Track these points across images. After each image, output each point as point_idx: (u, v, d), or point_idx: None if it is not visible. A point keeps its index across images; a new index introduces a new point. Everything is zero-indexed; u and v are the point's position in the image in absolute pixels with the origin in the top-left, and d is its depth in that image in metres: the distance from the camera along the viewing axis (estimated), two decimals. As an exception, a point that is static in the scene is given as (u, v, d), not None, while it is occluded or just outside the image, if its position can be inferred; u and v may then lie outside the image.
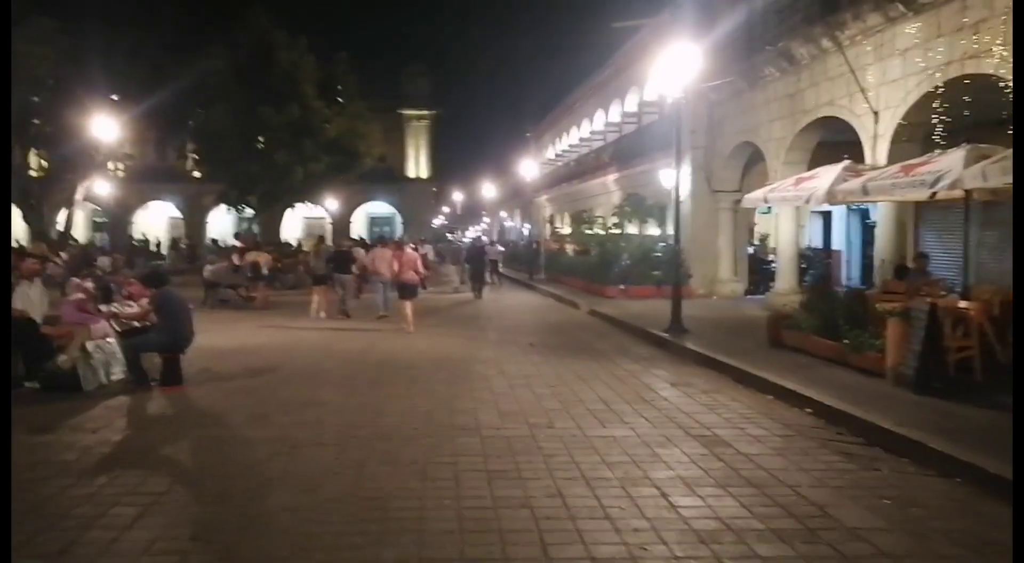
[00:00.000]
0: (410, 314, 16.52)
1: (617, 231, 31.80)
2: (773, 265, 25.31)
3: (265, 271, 21.72)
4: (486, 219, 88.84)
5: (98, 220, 59.22)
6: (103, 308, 10.89)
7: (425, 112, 61.60)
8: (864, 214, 26.69)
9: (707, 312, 18.54)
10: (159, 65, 32.40)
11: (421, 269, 17.52)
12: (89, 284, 12.69)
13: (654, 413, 8.69)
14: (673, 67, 15.12)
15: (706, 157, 23.96)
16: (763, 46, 19.07)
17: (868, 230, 26.58)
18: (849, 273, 27.08)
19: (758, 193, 14.33)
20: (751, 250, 25.85)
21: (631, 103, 34.28)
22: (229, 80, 34.57)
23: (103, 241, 53.47)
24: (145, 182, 55.81)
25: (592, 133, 40.76)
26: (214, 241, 47.27)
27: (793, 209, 19.71)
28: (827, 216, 28.67)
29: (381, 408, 8.94)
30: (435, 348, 13.86)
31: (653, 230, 30.97)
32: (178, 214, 59.73)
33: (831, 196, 11.47)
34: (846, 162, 12.88)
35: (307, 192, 39.19)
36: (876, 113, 15.16)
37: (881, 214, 15.39)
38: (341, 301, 19.67)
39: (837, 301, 11.79)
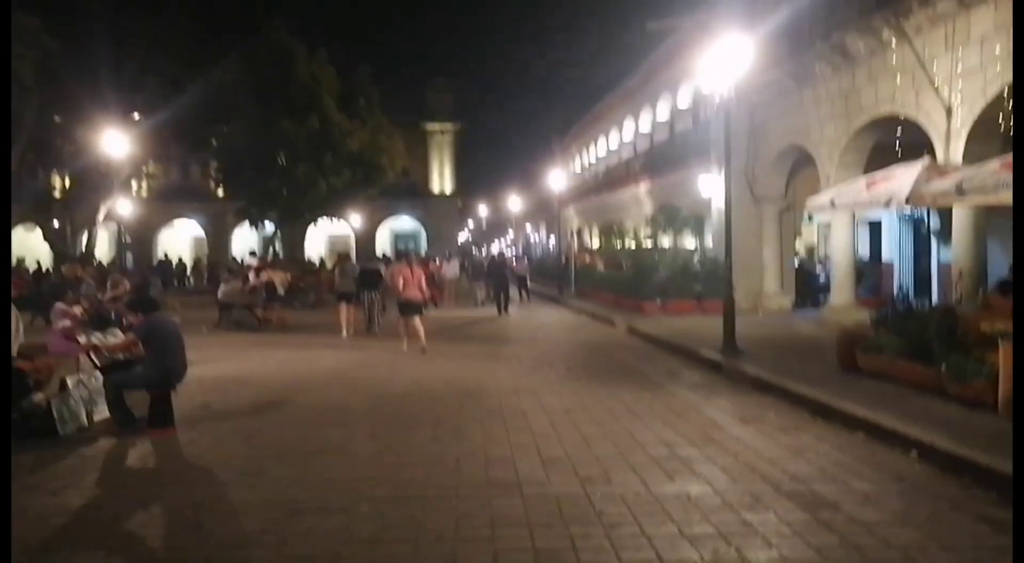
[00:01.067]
0: (421, 332, 15.74)
1: (650, 243, 30.40)
2: (821, 277, 23.80)
3: (281, 291, 20.40)
4: (511, 233, 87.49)
5: (123, 240, 58.58)
6: (81, 339, 9.56)
7: (449, 125, 60.43)
8: (918, 222, 25.05)
9: (757, 330, 16.97)
10: (175, 80, 31.35)
11: (426, 287, 16.76)
12: (77, 309, 11.42)
13: (729, 460, 7.20)
14: (721, 62, 13.77)
15: (748, 163, 22.44)
16: (814, 41, 17.58)
17: (921, 240, 24.95)
18: (901, 285, 25.46)
19: (822, 198, 12.84)
20: (796, 261, 24.25)
21: (663, 111, 32.85)
22: (248, 93, 33.47)
23: (126, 260, 52.72)
24: (169, 200, 55.36)
25: (622, 143, 39.33)
26: (233, 259, 46.29)
27: (849, 216, 18.21)
28: (875, 225, 27.09)
29: (402, 457, 7.50)
30: (463, 375, 12.44)
31: (689, 242, 29.50)
32: (202, 233, 58.88)
33: (917, 198, 9.98)
34: (925, 160, 11.41)
35: (329, 207, 38.00)
36: (949, 109, 13.64)
37: (958, 221, 13.82)
38: (370, 319, 18.83)
39: (929, 320, 10.23)
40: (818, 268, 23.99)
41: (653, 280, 22.66)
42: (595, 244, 42.40)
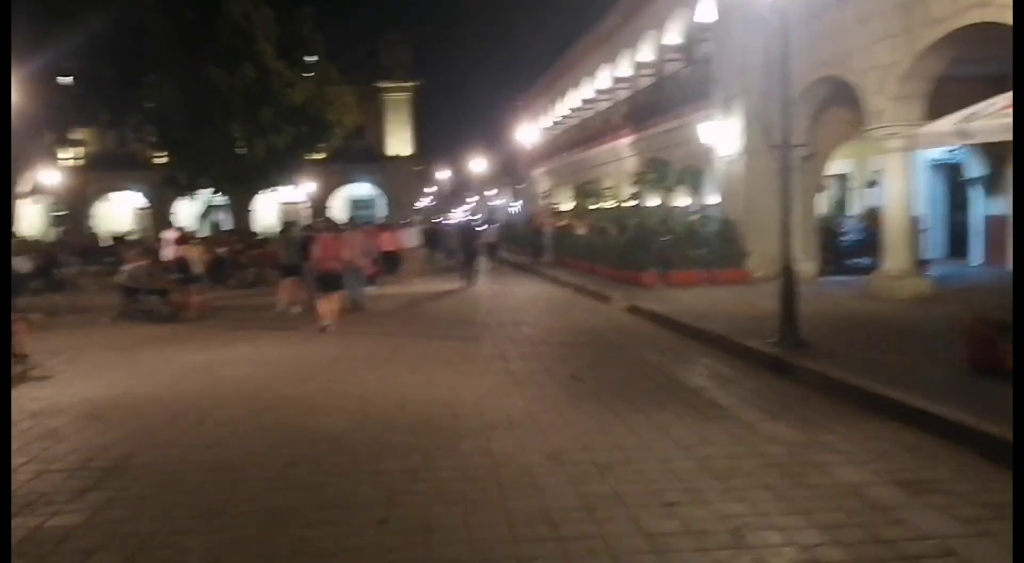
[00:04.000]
0: (330, 311, 13.89)
1: (633, 203, 26.85)
2: (847, 237, 20.30)
3: (198, 269, 16.42)
4: (472, 199, 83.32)
5: (58, 214, 54.01)
6: None
7: (406, 84, 55.90)
8: (953, 170, 21.62)
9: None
10: (71, 16, 26.71)
11: (344, 257, 14.71)
12: None
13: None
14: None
15: (763, 103, 18.74)
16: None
17: (957, 190, 21.56)
18: (933, 243, 22.06)
19: (943, 124, 9.13)
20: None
21: (646, 51, 28.96)
22: (172, 41, 28.98)
23: (59, 236, 48.09)
24: (105, 170, 50.63)
25: (597, 92, 35.40)
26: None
27: (907, 160, 14.67)
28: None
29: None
30: (429, 390, 8.67)
31: (681, 200, 25.97)
32: (144, 204, 54.03)
33: None
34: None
35: (272, 172, 33.55)
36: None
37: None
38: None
39: None
40: (844, 227, 20.39)
41: (653, 246, 19.01)
42: (568, 206, 38.69)
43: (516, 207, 60.49)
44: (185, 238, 17.74)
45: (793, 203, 18.37)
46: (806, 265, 18.77)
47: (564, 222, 30.91)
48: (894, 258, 14.84)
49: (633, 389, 8.44)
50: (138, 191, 53.61)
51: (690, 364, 9.93)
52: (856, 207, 23.13)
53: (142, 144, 41.90)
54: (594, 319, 14.59)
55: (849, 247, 19.83)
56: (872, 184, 22.08)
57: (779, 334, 10.03)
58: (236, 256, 26.34)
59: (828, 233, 19.85)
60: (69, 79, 31.28)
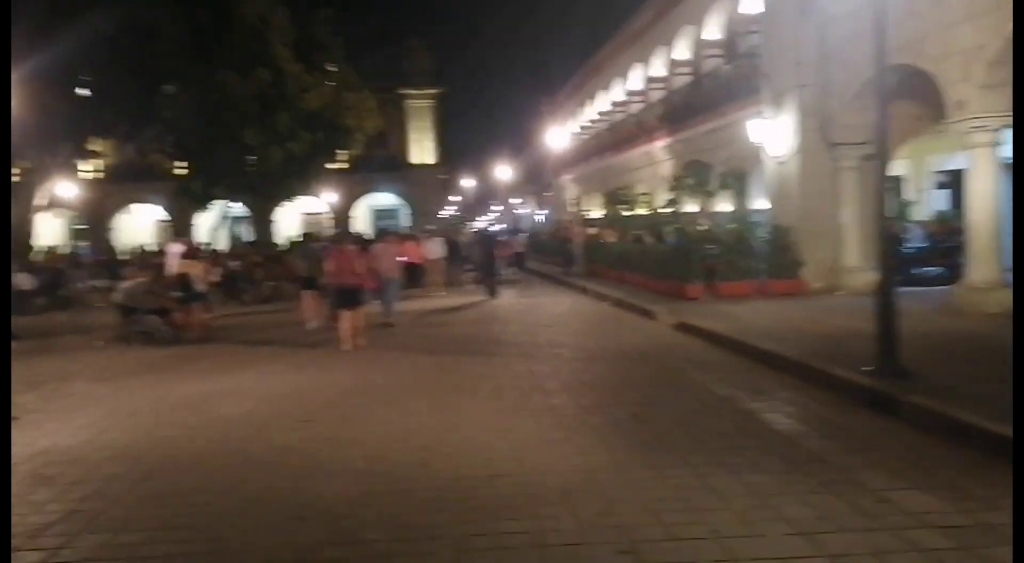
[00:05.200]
0: (350, 329, 12.81)
1: (669, 209, 25.27)
2: (912, 244, 18.60)
3: (201, 286, 14.96)
4: (496, 207, 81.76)
5: (79, 227, 53.11)
6: None
7: (429, 90, 54.62)
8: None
9: (861, 322, 10.80)
10: (94, 29, 25.59)
11: (360, 270, 13.51)
12: None
13: None
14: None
15: (819, 98, 17.13)
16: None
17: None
18: (1005, 249, 20.25)
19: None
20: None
21: (683, 48, 27.37)
22: (184, 44, 27.71)
23: (83, 250, 47.04)
24: (125, 182, 49.71)
25: (629, 94, 33.82)
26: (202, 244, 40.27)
27: (992, 158, 12.99)
28: (956, 176, 21.89)
29: None
30: (452, 438, 7.04)
31: (722, 206, 24.34)
32: (164, 216, 53.04)
33: None
34: None
35: (291, 181, 32.15)
36: None
37: None
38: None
39: None
40: (907, 234, 18.65)
41: (698, 255, 17.40)
42: (598, 213, 37.16)
43: (543, 215, 59.07)
44: (191, 252, 16.29)
45: (857, 206, 17.07)
46: (867, 275, 17.11)
47: (595, 230, 29.36)
48: (980, 268, 13.16)
49: (710, 434, 6.83)
50: (158, 203, 52.68)
51: (769, 398, 8.28)
52: (914, 211, 21.41)
53: (160, 155, 40.88)
54: (641, 338, 12.96)
55: (914, 255, 18.15)
56: (942, 186, 20.37)
57: (878, 361, 8.39)
58: (251, 270, 24.98)
59: (889, 240, 18.13)
60: (85, 91, 30.16)
